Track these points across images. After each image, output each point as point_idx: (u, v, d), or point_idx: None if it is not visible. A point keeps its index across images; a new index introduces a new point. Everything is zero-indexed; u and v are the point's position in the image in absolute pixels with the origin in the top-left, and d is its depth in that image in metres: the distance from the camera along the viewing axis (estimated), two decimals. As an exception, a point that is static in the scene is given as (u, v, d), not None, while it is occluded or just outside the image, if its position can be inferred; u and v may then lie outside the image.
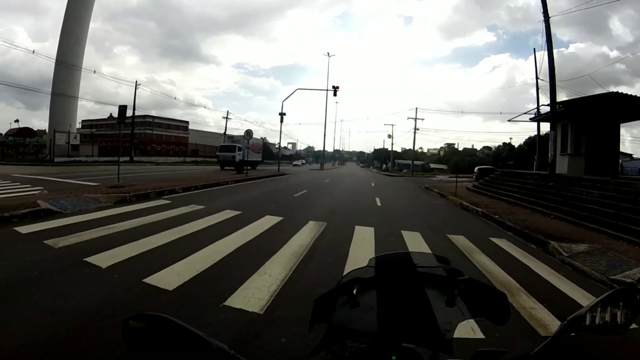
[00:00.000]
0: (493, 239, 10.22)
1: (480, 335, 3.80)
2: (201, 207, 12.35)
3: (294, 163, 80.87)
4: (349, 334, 1.20)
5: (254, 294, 5.08)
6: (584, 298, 5.94)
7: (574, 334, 1.14)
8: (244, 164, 35.94)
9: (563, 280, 6.91)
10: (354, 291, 1.21)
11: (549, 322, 4.82)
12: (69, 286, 5.09)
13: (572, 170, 21.64)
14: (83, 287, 5.10)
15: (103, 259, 6.20)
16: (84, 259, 6.15)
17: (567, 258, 8.34)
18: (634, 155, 64.58)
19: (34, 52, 44.49)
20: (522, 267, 7.66)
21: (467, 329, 3.81)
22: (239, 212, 11.68)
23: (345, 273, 1.34)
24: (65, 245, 6.96)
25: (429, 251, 8.37)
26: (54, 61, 47.13)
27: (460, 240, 9.65)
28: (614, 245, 9.41)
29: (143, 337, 0.99)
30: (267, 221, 10.60)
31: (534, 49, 31.95)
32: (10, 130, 60.65)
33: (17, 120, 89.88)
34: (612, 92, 19.71)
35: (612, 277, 6.93)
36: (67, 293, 4.84)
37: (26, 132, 50.64)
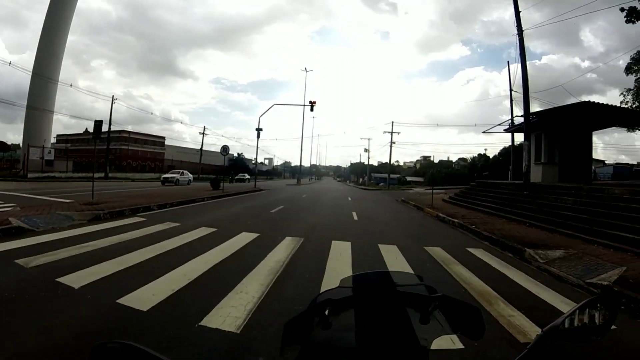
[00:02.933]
0: (470, 249, 10.29)
1: (460, 345, 3.79)
2: (177, 224, 12.24)
3: (238, 177, 66.35)
4: (324, 355, 1.18)
5: (230, 313, 5.01)
6: (561, 303, 6.02)
7: (551, 343, 1.12)
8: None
9: (540, 286, 7.00)
10: (326, 312, 1.18)
11: (527, 328, 4.85)
12: (40, 308, 4.97)
13: (546, 179, 22.02)
14: (55, 308, 4.98)
15: (76, 279, 6.08)
16: (57, 279, 6.02)
17: (543, 264, 8.46)
18: (606, 161, 66.00)
19: (10, 63, 43.68)
20: (499, 276, 7.72)
21: (447, 340, 3.77)
22: (215, 229, 11.59)
23: (322, 290, 1.38)
24: (37, 265, 6.82)
25: (405, 263, 8.42)
26: (31, 73, 46.73)
27: (437, 252, 9.66)
28: (589, 250, 9.58)
29: None
30: (244, 238, 10.51)
31: (508, 61, 32.79)
32: (-16, 143, 59.75)
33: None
34: (584, 102, 20.12)
35: (589, 280, 7.06)
36: (39, 315, 4.73)
37: (0, 146, 49.77)
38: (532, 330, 4.75)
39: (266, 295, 5.87)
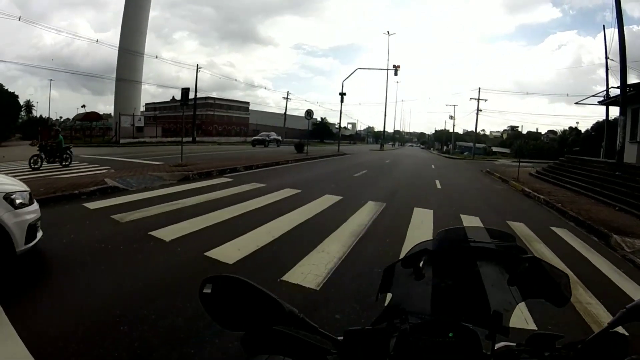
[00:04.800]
0: (554, 229, 9.95)
1: (533, 326, 3.79)
2: (262, 185, 12.59)
3: (254, 138, 50.75)
4: (410, 307, 1.19)
5: (311, 271, 5.21)
6: (644, 298, 5.76)
7: (632, 322, 1.12)
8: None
9: (623, 277, 6.62)
10: (421, 263, 1.21)
11: (604, 319, 4.67)
12: (134, 258, 5.39)
13: (641, 160, 20.67)
14: (147, 259, 5.40)
15: (167, 233, 6.51)
16: (149, 233, 6.49)
17: (629, 254, 7.94)
18: None
19: (97, 41, 46.70)
20: (581, 260, 7.43)
21: (521, 319, 3.82)
22: (299, 191, 11.86)
23: (401, 255, 1.39)
24: (131, 220, 7.33)
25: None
26: (117, 49, 49.65)
27: (520, 228, 9.50)
28: None
29: (219, 298, 1.04)
30: (327, 200, 10.72)
31: (603, 25, 30.43)
32: (78, 115, 63.69)
33: (83, 106, 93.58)
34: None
35: None
36: (133, 264, 5.15)
37: (93, 116, 52.49)
38: (608, 321, 4.64)
39: (347, 255, 6.04)
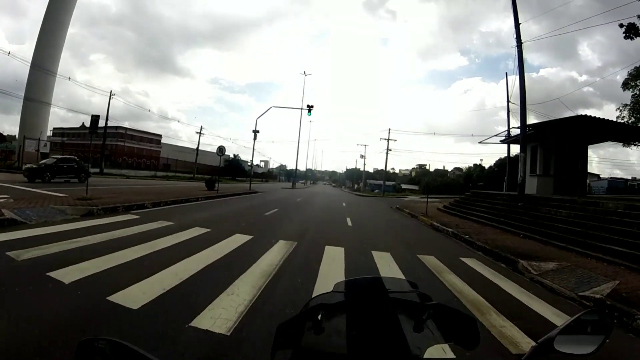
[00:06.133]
0: (463, 259, 10.29)
1: (451, 355, 3.74)
2: (170, 223, 12.19)
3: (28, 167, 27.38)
4: (316, 359, 1.18)
5: (221, 315, 4.98)
6: (554, 315, 6.03)
7: (544, 356, 1.12)
8: None
9: (533, 298, 7.02)
10: (319, 317, 1.18)
11: (519, 339, 4.87)
12: (29, 301, 4.94)
13: (541, 191, 22.09)
14: (44, 302, 4.94)
15: (67, 274, 6.03)
16: (47, 273, 5.98)
17: (536, 276, 8.49)
18: (601, 175, 66.20)
19: (9, 53, 43.45)
20: (491, 286, 7.73)
21: (438, 350, 3.73)
22: (209, 230, 11.55)
23: (313, 295, 1.37)
24: (28, 258, 6.77)
25: (398, 271, 8.40)
26: (29, 65, 46.51)
27: (430, 260, 9.65)
28: (582, 263, 9.61)
29: None
30: (237, 239, 10.47)
31: (506, 73, 32.88)
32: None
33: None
34: (580, 115, 20.04)
35: (581, 293, 7.09)
36: (27, 307, 4.70)
37: (-6, 137, 49.44)
38: (523, 342, 4.76)
39: (258, 297, 5.84)
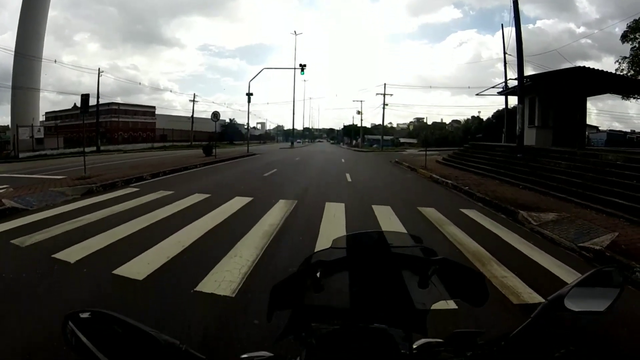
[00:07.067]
0: (463, 210, 10.30)
1: (453, 305, 3.76)
2: (170, 192, 12.16)
3: None
4: (316, 318, 1.16)
5: (225, 277, 5.03)
6: (554, 266, 6.00)
7: (554, 313, 1.09)
8: None
9: (533, 248, 6.97)
10: (318, 274, 1.15)
11: (520, 289, 4.89)
12: (38, 285, 4.95)
13: (540, 142, 21.86)
14: (52, 284, 4.97)
15: (71, 254, 6.03)
16: (53, 256, 5.98)
17: (536, 227, 8.44)
18: (599, 128, 65.85)
19: None
20: (492, 237, 7.73)
21: (443, 305, 3.77)
22: (208, 195, 11.55)
23: (318, 248, 1.33)
24: (32, 243, 6.73)
25: (399, 224, 8.45)
26: (13, 54, 45.81)
27: (431, 213, 9.68)
28: (582, 214, 9.51)
29: (85, 335, 0.92)
30: (237, 202, 10.50)
31: (502, 24, 32.28)
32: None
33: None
34: (579, 67, 19.75)
35: (581, 244, 6.99)
36: (37, 292, 4.71)
37: (-13, 129, 48.87)
38: (524, 292, 4.81)
39: (260, 258, 5.91)
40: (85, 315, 0.97)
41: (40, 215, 9.08)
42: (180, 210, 9.43)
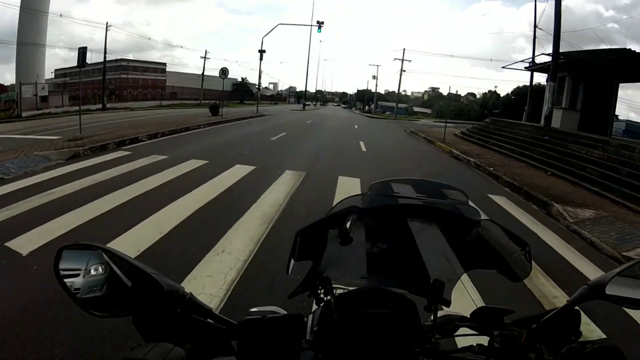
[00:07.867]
0: (491, 196, 9.67)
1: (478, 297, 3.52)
2: (163, 157, 11.13)
3: None
4: (337, 274, 1.04)
5: (204, 288, 3.95)
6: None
7: (593, 299, 0.93)
8: None
9: (575, 253, 6.26)
10: (348, 224, 0.95)
11: (559, 301, 4.27)
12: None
13: (565, 125, 21.00)
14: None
15: (27, 242, 4.88)
16: (5, 244, 4.80)
17: (572, 224, 7.77)
18: (619, 116, 64.59)
19: None
20: (528, 233, 6.87)
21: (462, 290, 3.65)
22: (206, 162, 10.60)
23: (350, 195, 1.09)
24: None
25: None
26: (18, 9, 45.46)
27: (456, 194, 8.75)
28: (620, 214, 8.81)
29: (77, 269, 0.87)
30: (237, 172, 9.66)
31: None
32: (-21, 87, 57.99)
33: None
34: (624, 49, 18.29)
35: (625, 253, 6.28)
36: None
37: (-5, 87, 48.02)
38: (567, 299, 3.84)
39: (255, 255, 4.83)
40: (81, 248, 0.90)
41: (15, 185, 7.83)
42: (168, 181, 8.37)
